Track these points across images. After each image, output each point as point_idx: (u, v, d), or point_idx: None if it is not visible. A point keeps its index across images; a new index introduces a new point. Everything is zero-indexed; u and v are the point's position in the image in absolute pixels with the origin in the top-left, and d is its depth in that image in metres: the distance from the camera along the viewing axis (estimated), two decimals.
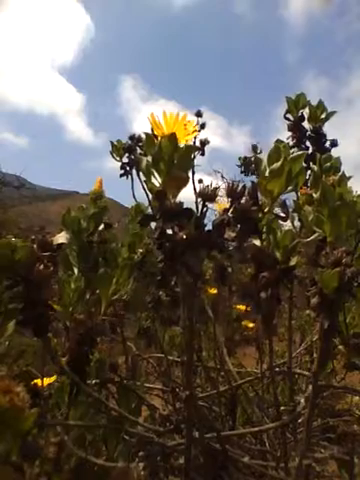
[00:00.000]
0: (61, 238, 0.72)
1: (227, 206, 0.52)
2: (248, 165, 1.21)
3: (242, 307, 1.54)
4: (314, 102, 1.02)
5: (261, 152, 1.37)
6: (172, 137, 0.47)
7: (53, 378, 0.78)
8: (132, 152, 1.28)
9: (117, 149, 1.30)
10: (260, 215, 0.53)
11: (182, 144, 0.48)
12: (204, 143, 1.50)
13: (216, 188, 0.49)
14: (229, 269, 1.10)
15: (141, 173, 0.50)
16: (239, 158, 1.26)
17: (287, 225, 0.70)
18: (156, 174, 0.48)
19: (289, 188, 0.54)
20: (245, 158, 1.25)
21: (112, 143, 1.32)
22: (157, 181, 0.49)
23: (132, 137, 1.29)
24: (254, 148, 1.38)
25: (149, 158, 0.48)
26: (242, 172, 1.26)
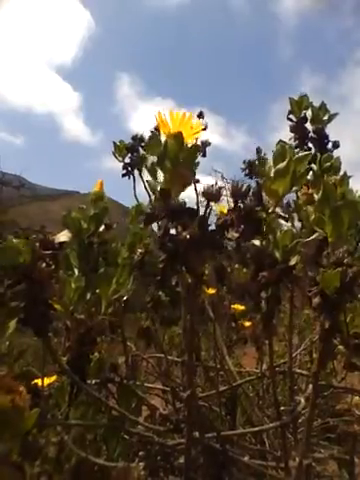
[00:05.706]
0: (63, 236, 0.72)
1: (230, 206, 0.52)
2: (252, 168, 1.21)
3: (240, 307, 1.54)
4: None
5: (265, 154, 1.37)
6: (178, 136, 0.47)
7: (53, 378, 0.78)
8: (134, 152, 1.28)
9: (119, 149, 1.30)
10: (264, 215, 0.53)
11: (187, 143, 0.48)
12: (205, 144, 1.50)
13: (220, 188, 0.49)
14: (228, 269, 1.10)
15: (145, 172, 0.51)
16: (243, 161, 1.26)
17: (287, 225, 0.70)
18: (161, 173, 0.48)
19: (294, 188, 0.54)
20: (249, 161, 1.25)
21: (115, 143, 1.30)
22: (162, 180, 0.49)
23: (134, 137, 1.28)
24: (258, 151, 1.38)
25: (154, 157, 0.48)
26: (246, 175, 1.25)
